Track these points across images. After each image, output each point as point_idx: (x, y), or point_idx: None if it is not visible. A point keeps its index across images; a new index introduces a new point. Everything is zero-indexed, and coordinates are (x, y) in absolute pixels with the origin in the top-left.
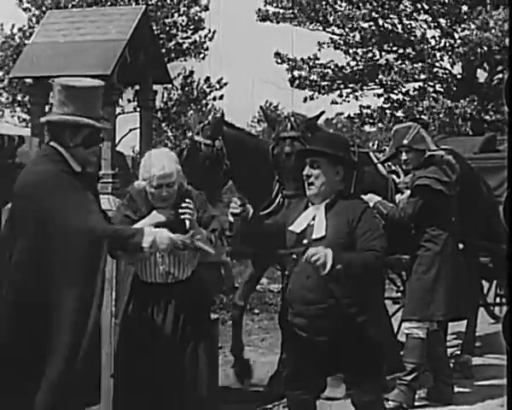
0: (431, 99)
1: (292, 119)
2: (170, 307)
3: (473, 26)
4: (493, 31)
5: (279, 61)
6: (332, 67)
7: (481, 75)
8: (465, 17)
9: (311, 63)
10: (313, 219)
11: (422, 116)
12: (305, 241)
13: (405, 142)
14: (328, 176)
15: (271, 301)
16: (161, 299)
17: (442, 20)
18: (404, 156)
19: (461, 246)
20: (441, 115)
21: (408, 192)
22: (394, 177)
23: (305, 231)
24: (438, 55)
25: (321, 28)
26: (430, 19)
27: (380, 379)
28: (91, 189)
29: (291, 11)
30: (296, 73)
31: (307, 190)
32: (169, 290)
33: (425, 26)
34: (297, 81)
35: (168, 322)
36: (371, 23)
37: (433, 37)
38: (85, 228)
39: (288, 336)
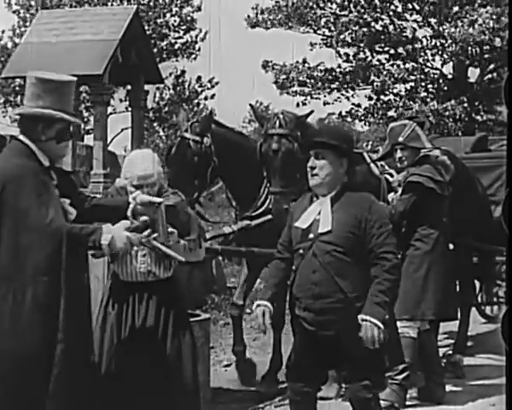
0: (420, 102)
1: (281, 116)
2: (151, 306)
3: (460, 24)
4: (481, 28)
5: (267, 68)
6: (322, 69)
7: (473, 75)
8: (454, 16)
9: (300, 67)
10: (319, 213)
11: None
12: (311, 235)
13: (400, 139)
14: (334, 167)
15: None
16: (142, 297)
17: (432, 20)
18: (398, 154)
19: (451, 246)
20: (430, 118)
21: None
22: (388, 176)
23: (311, 226)
24: (429, 54)
25: (311, 31)
26: (420, 19)
27: (381, 375)
28: (62, 185)
29: (279, 16)
30: (285, 76)
31: (310, 180)
32: (150, 289)
33: (415, 25)
34: (286, 84)
35: (149, 320)
36: (361, 24)
37: (425, 36)
38: (43, 224)
39: (294, 330)
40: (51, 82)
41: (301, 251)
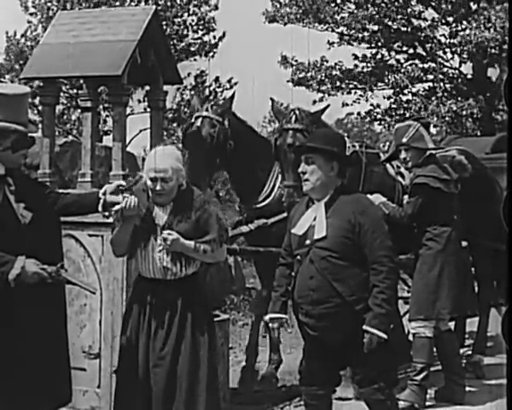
0: (437, 102)
1: (297, 112)
2: (168, 303)
3: (474, 25)
4: (496, 28)
5: (286, 64)
6: (340, 67)
7: (493, 74)
8: (472, 14)
9: (318, 65)
10: (314, 219)
11: (430, 118)
12: (307, 242)
13: (404, 140)
14: (323, 171)
15: None
16: (160, 294)
17: (450, 19)
18: (403, 155)
19: (464, 244)
20: (447, 118)
21: None
22: (399, 178)
23: (307, 232)
24: (448, 54)
25: (330, 29)
26: (438, 18)
27: (389, 375)
28: (20, 190)
29: (296, 11)
30: (303, 74)
31: (303, 186)
32: (168, 286)
33: (433, 24)
34: (303, 81)
35: (166, 318)
36: (379, 24)
37: (443, 35)
38: None
39: (302, 334)
40: (4, 96)
41: (299, 257)
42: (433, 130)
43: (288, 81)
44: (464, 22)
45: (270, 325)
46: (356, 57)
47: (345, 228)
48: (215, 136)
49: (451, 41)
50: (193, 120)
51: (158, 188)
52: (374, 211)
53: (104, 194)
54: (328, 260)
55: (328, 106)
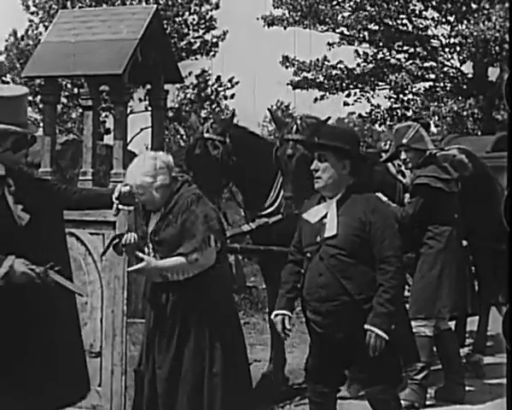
0: (437, 102)
1: (298, 122)
2: (170, 305)
3: (473, 21)
4: (494, 24)
5: (287, 64)
6: (342, 67)
7: (493, 74)
8: (473, 13)
9: (319, 65)
10: (325, 215)
11: (431, 117)
12: (318, 239)
13: (404, 141)
14: (335, 169)
15: None
16: (161, 295)
17: (451, 18)
18: (403, 156)
19: (464, 243)
20: (448, 118)
21: None
22: (400, 177)
23: (318, 228)
24: (448, 53)
25: (330, 30)
26: (439, 17)
27: (397, 375)
28: (21, 190)
29: (296, 14)
30: (304, 74)
31: (315, 183)
32: (169, 288)
33: (434, 24)
34: (304, 83)
35: (168, 320)
36: (379, 23)
37: (443, 34)
38: None
39: (309, 332)
40: (2, 98)
41: (309, 254)
42: (433, 129)
43: (287, 84)
44: (465, 21)
45: (275, 320)
46: (357, 54)
47: (355, 226)
48: (219, 157)
49: (452, 40)
50: (194, 143)
51: (137, 200)
52: (384, 210)
53: (117, 198)
54: (338, 257)
55: (330, 118)
